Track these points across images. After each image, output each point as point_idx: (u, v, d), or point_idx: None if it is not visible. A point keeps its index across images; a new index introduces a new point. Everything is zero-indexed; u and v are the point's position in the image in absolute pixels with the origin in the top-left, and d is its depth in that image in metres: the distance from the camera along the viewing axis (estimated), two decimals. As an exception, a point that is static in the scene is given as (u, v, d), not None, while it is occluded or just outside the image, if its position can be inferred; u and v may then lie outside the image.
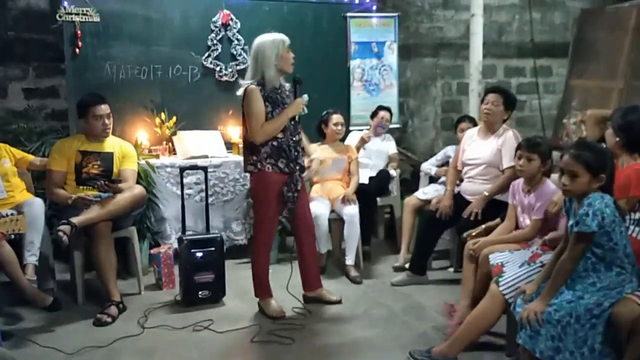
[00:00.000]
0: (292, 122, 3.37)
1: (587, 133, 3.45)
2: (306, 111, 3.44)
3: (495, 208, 3.63)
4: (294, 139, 3.38)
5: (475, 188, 3.90)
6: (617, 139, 2.78)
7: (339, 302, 3.68)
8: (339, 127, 4.42)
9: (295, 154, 3.38)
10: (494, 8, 6.23)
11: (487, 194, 3.81)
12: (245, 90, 3.32)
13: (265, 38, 3.33)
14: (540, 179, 3.13)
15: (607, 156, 2.45)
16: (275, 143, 3.33)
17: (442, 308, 3.43)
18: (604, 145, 2.79)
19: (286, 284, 3.73)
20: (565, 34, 6.38)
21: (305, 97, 3.41)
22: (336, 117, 4.44)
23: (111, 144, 3.87)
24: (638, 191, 2.57)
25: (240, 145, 4.67)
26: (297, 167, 3.40)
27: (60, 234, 3.31)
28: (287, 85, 3.47)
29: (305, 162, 3.71)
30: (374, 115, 5.01)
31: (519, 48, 6.39)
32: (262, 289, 3.54)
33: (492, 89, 4.01)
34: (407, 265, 4.27)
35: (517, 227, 3.26)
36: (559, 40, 6.43)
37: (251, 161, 3.37)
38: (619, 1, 6.06)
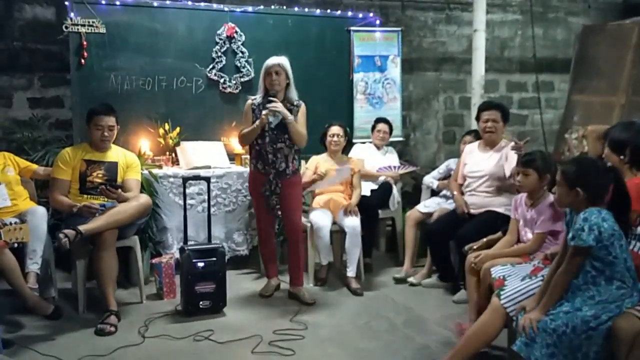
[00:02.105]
0: (274, 132, 3.75)
1: (588, 148, 3.46)
2: (271, 120, 3.72)
3: (497, 222, 3.64)
4: (275, 146, 3.77)
5: (479, 201, 3.93)
6: (619, 156, 2.79)
7: (310, 304, 3.85)
8: (335, 138, 4.43)
9: (273, 159, 3.78)
10: (497, 23, 6.29)
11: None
12: None
13: None
14: (543, 193, 3.15)
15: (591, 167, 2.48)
16: (257, 147, 3.82)
17: (454, 328, 3.37)
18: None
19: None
20: (567, 49, 6.43)
21: (271, 106, 3.65)
22: (334, 129, 4.44)
23: (115, 153, 3.89)
24: (637, 205, 2.57)
25: (243, 157, 4.73)
26: (273, 171, 3.79)
27: (62, 236, 3.32)
28: (295, 100, 3.85)
29: (309, 174, 4.25)
30: (373, 128, 5.04)
31: (521, 63, 6.43)
32: (266, 269, 4.13)
33: (487, 106, 4.04)
34: (409, 279, 4.28)
35: (519, 241, 3.27)
36: (561, 56, 6.48)
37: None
38: (620, 18, 6.12)
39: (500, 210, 3.79)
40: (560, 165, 2.54)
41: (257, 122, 3.71)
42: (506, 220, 3.42)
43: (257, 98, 3.84)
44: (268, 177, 3.80)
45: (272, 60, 3.76)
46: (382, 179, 4.82)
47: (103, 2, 4.62)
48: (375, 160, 4.93)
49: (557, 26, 6.56)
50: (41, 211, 3.64)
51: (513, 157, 3.70)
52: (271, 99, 3.69)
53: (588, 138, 3.54)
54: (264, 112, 3.69)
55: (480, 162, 4.01)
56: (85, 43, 4.54)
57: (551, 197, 3.12)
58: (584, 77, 5.50)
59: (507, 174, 3.81)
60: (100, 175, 3.78)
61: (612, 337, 2.29)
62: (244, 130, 3.80)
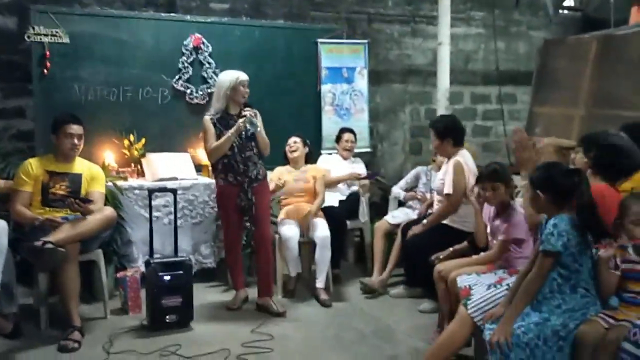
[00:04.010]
0: (241, 141, 3.78)
1: (544, 160, 3.51)
2: (249, 127, 3.70)
3: (445, 233, 3.78)
4: (244, 155, 3.81)
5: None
6: (586, 160, 2.86)
7: (281, 314, 3.83)
8: (293, 145, 4.51)
9: (244, 168, 3.82)
10: (461, 37, 6.40)
11: (425, 222, 3.97)
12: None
13: (223, 74, 3.90)
14: (508, 202, 3.20)
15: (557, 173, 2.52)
16: (225, 160, 3.82)
17: (432, 339, 3.37)
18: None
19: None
20: (528, 62, 6.58)
21: (246, 113, 3.70)
22: (290, 140, 4.53)
23: (80, 165, 3.82)
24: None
25: (210, 168, 4.69)
26: (246, 179, 3.81)
27: (50, 245, 3.23)
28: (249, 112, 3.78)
29: (272, 185, 4.22)
30: (338, 139, 5.06)
31: (485, 76, 6.56)
32: (233, 280, 4.13)
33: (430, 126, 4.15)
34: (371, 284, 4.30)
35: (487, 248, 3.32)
36: (522, 69, 6.63)
37: (214, 176, 3.97)
38: (580, 32, 6.30)
39: (446, 222, 3.88)
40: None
41: (232, 130, 3.71)
42: (455, 233, 3.49)
43: (214, 112, 3.85)
44: (242, 186, 3.82)
45: (242, 74, 3.84)
46: (350, 189, 4.84)
47: (67, 12, 4.54)
48: (342, 170, 4.95)
49: (519, 40, 6.72)
50: (1, 225, 3.53)
51: (449, 176, 3.83)
52: (248, 109, 3.78)
53: (545, 150, 3.57)
54: (240, 120, 3.71)
55: (437, 178, 4.15)
56: (48, 53, 4.46)
57: (516, 205, 3.17)
58: (545, 90, 5.63)
59: (446, 190, 3.86)
60: (63, 187, 3.70)
61: (577, 343, 2.33)
62: (215, 143, 3.77)
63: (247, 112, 3.74)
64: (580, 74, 5.24)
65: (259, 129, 3.78)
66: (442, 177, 3.95)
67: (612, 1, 5.91)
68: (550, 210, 2.48)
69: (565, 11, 7.06)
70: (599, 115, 4.92)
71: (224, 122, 3.81)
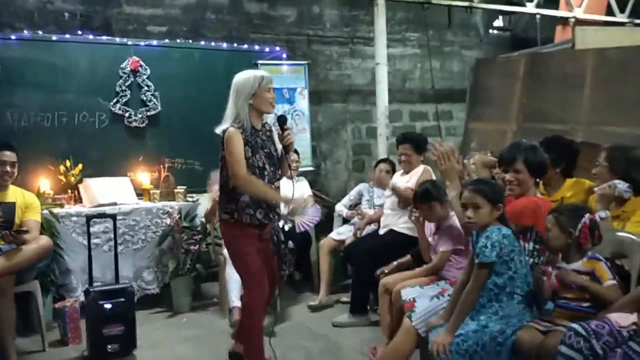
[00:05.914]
0: (272, 169, 3.08)
1: (477, 175, 3.64)
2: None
3: (400, 242, 3.82)
4: (274, 186, 3.08)
5: (386, 220, 4.13)
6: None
7: None
8: None
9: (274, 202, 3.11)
10: (397, 57, 6.59)
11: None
12: (226, 132, 2.97)
13: (242, 75, 3.05)
14: (446, 215, 3.29)
15: (501, 188, 2.66)
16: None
17: (367, 351, 3.41)
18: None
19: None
20: (462, 81, 6.82)
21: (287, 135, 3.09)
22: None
23: (13, 193, 3.68)
24: (529, 221, 2.72)
25: (152, 192, 4.61)
26: (276, 216, 3.13)
27: None
28: (272, 126, 3.21)
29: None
30: None
31: (422, 94, 6.76)
32: (259, 354, 3.09)
33: (401, 138, 4.26)
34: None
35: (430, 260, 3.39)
36: (457, 87, 6.87)
37: (228, 210, 3.00)
38: (509, 51, 6.60)
39: (403, 231, 3.94)
40: (466, 189, 2.65)
41: (276, 195, 3.07)
42: (410, 242, 3.55)
43: (239, 125, 2.97)
44: (274, 225, 3.16)
45: (264, 72, 3.10)
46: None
47: (-4, 36, 4.44)
48: (287, 190, 4.94)
49: (453, 59, 6.98)
50: None
51: (417, 175, 3.99)
52: (286, 131, 3.08)
53: (476, 165, 3.70)
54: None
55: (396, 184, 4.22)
56: (-23, 79, 4.33)
57: (453, 217, 3.26)
58: (478, 106, 5.84)
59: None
60: (-5, 217, 3.56)
61: (516, 350, 2.40)
62: (256, 186, 2.97)
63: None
64: (511, 91, 5.47)
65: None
66: (409, 181, 4.07)
67: (538, 21, 6.25)
68: (494, 222, 2.56)
69: (495, 31, 7.39)
70: (529, 130, 5.13)
71: (253, 141, 3.00)
